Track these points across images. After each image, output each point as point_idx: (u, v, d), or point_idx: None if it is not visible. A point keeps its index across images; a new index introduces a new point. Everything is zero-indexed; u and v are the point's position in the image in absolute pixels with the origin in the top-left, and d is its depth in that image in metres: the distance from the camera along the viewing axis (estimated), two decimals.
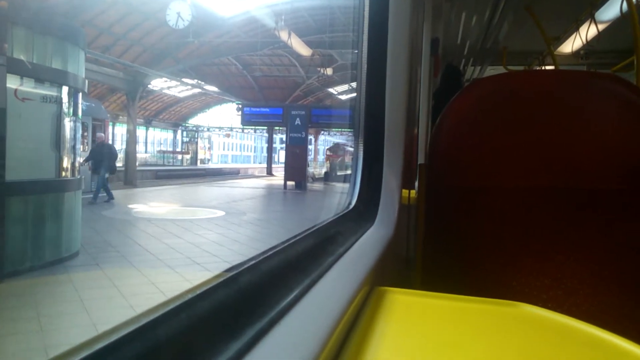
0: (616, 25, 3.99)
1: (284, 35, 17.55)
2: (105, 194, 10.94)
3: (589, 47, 4.58)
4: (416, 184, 1.74)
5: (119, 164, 22.52)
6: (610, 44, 4.55)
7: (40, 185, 5.44)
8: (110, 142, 14.13)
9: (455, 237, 1.54)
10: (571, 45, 4.73)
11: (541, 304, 0.89)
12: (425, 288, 1.05)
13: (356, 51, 1.56)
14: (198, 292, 0.55)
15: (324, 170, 28.33)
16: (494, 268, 1.47)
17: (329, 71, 23.10)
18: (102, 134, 12.66)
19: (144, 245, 6.88)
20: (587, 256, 1.40)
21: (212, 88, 30.14)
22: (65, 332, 3.55)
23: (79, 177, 6.29)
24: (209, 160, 44.39)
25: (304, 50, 19.97)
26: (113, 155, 11.93)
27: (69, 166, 5.95)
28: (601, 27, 3.93)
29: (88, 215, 8.15)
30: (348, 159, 26.01)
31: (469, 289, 1.02)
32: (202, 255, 6.27)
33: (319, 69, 24.02)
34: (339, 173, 24.57)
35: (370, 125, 1.46)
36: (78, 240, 5.99)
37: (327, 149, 32.57)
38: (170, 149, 41.39)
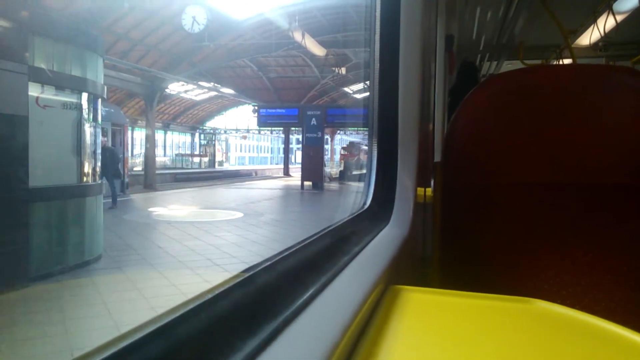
0: (635, 15, 3.92)
1: (297, 36, 17.59)
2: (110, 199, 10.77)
3: (607, 39, 4.50)
4: (432, 182, 1.74)
5: (139, 167, 22.84)
6: (629, 35, 4.47)
7: (63, 191, 5.55)
8: (112, 145, 13.74)
9: (472, 235, 1.53)
10: (589, 37, 4.65)
11: (560, 300, 0.89)
12: (442, 286, 1.06)
13: (369, 49, 1.57)
14: (217, 292, 0.57)
15: (339, 169, 28.27)
16: (512, 265, 1.46)
17: (343, 70, 23.08)
18: (104, 138, 12.00)
19: (164, 248, 6.97)
20: (604, 252, 1.39)
21: (228, 90, 30.32)
22: (90, 335, 3.62)
23: (99, 182, 6.40)
24: (224, 162, 44.60)
25: (318, 50, 19.99)
26: (116, 159, 11.61)
27: (90, 171, 6.07)
28: (619, 18, 3.87)
29: (109, 219, 8.29)
30: (363, 158, 25.87)
31: (487, 286, 1.02)
32: (222, 256, 6.32)
33: (333, 68, 24.01)
34: (354, 172, 24.47)
35: (384, 124, 1.46)
36: (100, 244, 6.10)
37: (342, 148, 32.41)
38: (189, 151, 41.77)
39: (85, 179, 5.94)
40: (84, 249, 5.76)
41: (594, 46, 4.91)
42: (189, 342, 0.48)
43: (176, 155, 39.72)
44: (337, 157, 35.93)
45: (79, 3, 12.50)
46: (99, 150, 6.56)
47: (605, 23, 3.90)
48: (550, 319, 0.81)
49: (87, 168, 5.96)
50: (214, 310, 0.54)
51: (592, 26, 4.22)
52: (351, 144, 31.49)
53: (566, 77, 1.53)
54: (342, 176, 25.23)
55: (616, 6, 3.80)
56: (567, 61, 5.34)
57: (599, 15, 4.02)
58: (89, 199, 5.93)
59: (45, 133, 5.27)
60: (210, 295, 0.56)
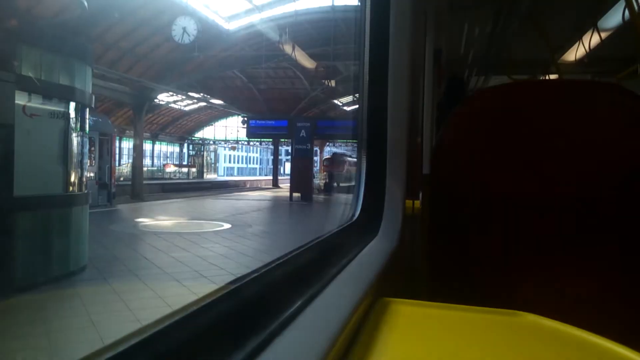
0: (619, 32, 4.00)
1: (288, 48, 17.69)
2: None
3: (592, 55, 4.58)
4: (420, 194, 1.74)
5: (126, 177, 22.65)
6: (614, 51, 4.55)
7: (48, 200, 5.48)
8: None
9: (460, 247, 1.54)
10: (575, 53, 4.74)
11: (547, 313, 0.89)
12: (432, 299, 1.05)
13: (358, 62, 1.58)
14: (202, 304, 0.56)
15: (325, 181, 27.89)
16: (500, 278, 1.46)
17: (333, 83, 23.20)
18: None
19: (151, 259, 6.90)
20: (592, 265, 1.40)
21: (218, 101, 30.32)
22: (74, 348, 3.56)
23: (86, 191, 6.33)
24: (208, 173, 44.27)
25: (308, 63, 20.10)
26: None
27: (77, 181, 6.00)
28: (604, 35, 3.94)
29: (95, 230, 8.19)
30: (347, 170, 25.58)
31: (476, 299, 1.02)
32: (209, 268, 6.27)
33: (323, 80, 24.12)
34: (341, 184, 24.24)
35: (372, 137, 1.47)
36: (85, 255, 6.02)
37: (324, 159, 31.74)
38: (177, 162, 41.57)
39: (71, 188, 5.87)
40: (69, 260, 5.68)
41: (579, 62, 5.00)
42: (176, 353, 0.47)
43: (164, 165, 39.53)
44: None
45: (68, 12, 12.47)
46: (85, 160, 6.50)
47: (591, 40, 3.98)
48: (539, 332, 0.81)
49: (73, 177, 5.90)
50: (198, 322, 0.53)
51: (577, 42, 4.30)
52: (334, 155, 30.89)
53: (551, 92, 1.56)
54: (327, 189, 24.90)
55: (601, 24, 3.88)
56: (553, 76, 5.42)
57: (584, 32, 4.10)
58: (75, 209, 5.86)
59: (32, 142, 5.22)
60: (194, 308, 0.55)
